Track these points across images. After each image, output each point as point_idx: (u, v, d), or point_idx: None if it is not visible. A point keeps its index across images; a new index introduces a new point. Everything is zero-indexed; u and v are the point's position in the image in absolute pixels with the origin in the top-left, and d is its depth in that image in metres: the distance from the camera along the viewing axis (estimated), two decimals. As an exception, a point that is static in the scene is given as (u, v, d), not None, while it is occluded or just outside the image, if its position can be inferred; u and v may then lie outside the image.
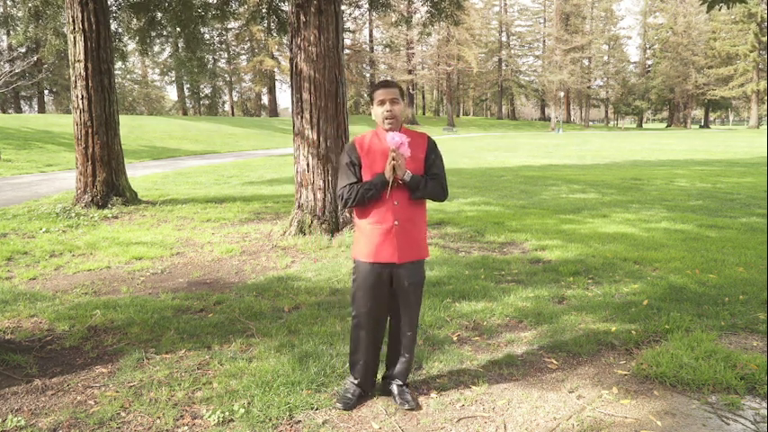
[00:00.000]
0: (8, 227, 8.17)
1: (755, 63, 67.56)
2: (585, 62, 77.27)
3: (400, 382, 3.16)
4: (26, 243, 7.23)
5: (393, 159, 2.87)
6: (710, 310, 4.45)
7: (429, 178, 3.00)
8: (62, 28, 13.19)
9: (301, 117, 7.34)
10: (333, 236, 7.25)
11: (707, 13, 5.85)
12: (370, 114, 3.08)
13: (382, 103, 2.95)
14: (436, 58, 67.61)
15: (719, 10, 6.10)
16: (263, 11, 11.75)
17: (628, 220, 8.49)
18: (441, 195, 3.04)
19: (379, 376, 3.32)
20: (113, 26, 11.94)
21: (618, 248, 6.55)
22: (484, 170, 17.68)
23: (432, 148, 3.07)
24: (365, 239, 3.00)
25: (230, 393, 3.19)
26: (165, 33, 12.88)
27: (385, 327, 3.15)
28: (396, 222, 2.96)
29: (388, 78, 3.36)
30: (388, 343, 3.20)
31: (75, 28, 9.60)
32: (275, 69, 60.09)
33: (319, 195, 7.33)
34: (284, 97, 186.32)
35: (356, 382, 3.14)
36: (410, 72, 65.90)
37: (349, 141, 3.03)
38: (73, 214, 9.14)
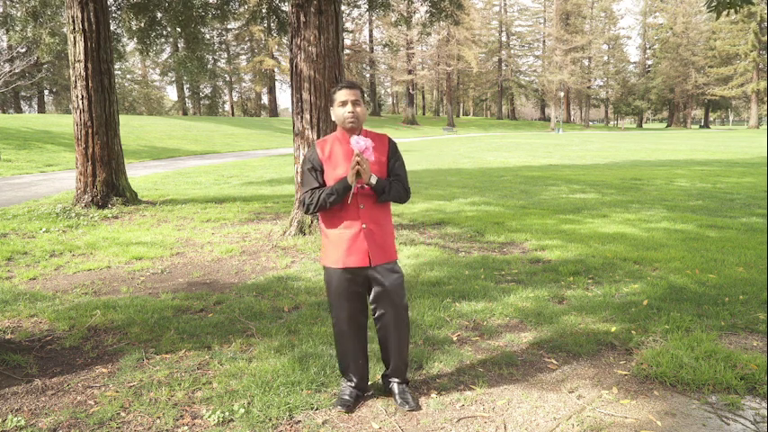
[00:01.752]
0: (8, 227, 8.17)
1: (755, 63, 67.59)
2: (585, 62, 77.31)
3: (399, 380, 3.15)
4: (26, 243, 7.23)
5: (357, 164, 2.84)
6: (710, 310, 4.45)
7: (392, 180, 3.00)
8: (60, 28, 13.18)
9: (301, 117, 7.34)
10: (333, 236, 7.24)
11: (716, 20, 5.83)
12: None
13: (344, 104, 2.93)
14: (436, 58, 67.61)
15: (727, 15, 6.04)
16: (263, 11, 11.75)
17: (628, 220, 8.49)
18: (404, 198, 3.04)
19: (378, 375, 3.32)
20: (113, 26, 11.94)
21: (618, 248, 6.55)
22: (484, 170, 17.68)
23: (393, 150, 3.07)
24: (333, 246, 2.97)
25: (230, 393, 3.19)
26: (164, 33, 12.88)
27: (366, 328, 3.14)
28: (363, 226, 2.94)
29: (353, 80, 3.34)
30: (381, 344, 3.16)
31: (75, 28, 9.60)
32: (275, 69, 60.11)
33: (319, 195, 7.33)
34: (284, 97, 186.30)
35: (352, 384, 3.13)
36: (410, 72, 65.89)
37: (311, 146, 3.01)
38: (73, 214, 9.14)
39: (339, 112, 2.95)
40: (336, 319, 3.06)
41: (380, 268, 2.98)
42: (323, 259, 3.04)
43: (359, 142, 2.85)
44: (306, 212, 2.99)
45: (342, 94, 2.93)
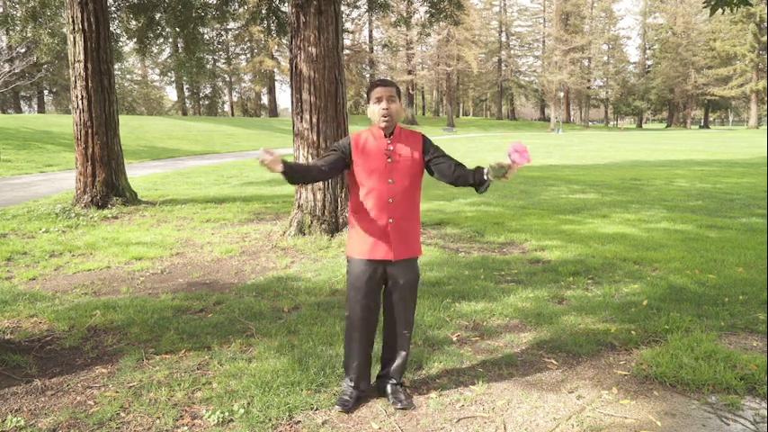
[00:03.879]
0: (8, 227, 8.16)
1: (755, 63, 67.61)
2: (585, 62, 77.32)
3: (395, 381, 3.17)
4: (26, 243, 7.22)
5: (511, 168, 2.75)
6: (710, 310, 4.45)
7: (458, 166, 2.97)
8: (59, 28, 13.18)
9: (301, 117, 7.34)
10: (332, 236, 7.24)
11: (710, 17, 5.84)
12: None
13: (379, 100, 2.93)
14: (436, 59, 67.63)
15: (723, 13, 6.09)
16: (263, 11, 11.74)
17: (627, 221, 8.49)
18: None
19: (374, 376, 3.32)
20: (112, 26, 11.94)
21: (618, 248, 6.55)
22: (484, 170, 17.65)
23: (428, 145, 3.05)
24: (359, 237, 3.00)
25: (230, 394, 3.19)
26: (164, 34, 12.87)
27: (376, 327, 3.15)
28: (390, 220, 2.96)
29: (387, 78, 3.39)
30: (384, 342, 3.19)
31: (74, 28, 9.60)
32: (275, 69, 60.13)
33: (319, 196, 7.33)
34: (284, 97, 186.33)
35: (352, 384, 3.13)
36: (410, 72, 65.91)
37: (346, 137, 3.03)
38: (72, 214, 9.13)
39: (374, 109, 2.95)
40: (350, 311, 3.05)
41: (401, 264, 3.00)
42: (347, 249, 3.06)
43: (519, 152, 2.69)
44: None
45: (377, 92, 2.93)
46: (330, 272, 5.71)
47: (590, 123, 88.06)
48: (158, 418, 2.97)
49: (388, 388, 3.16)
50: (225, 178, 15.42)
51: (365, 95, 3.01)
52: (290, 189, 12.21)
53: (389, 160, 2.96)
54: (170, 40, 13.90)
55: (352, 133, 3.06)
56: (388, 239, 2.96)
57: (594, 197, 11.12)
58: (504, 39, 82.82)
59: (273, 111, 64.75)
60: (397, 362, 3.15)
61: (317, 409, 3.05)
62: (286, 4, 11.02)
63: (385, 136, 2.99)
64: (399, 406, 3.04)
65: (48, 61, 40.07)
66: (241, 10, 12.84)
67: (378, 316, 3.10)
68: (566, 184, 13.39)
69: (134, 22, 12.43)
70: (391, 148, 2.97)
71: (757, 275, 5.38)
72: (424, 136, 3.09)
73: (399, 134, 3.02)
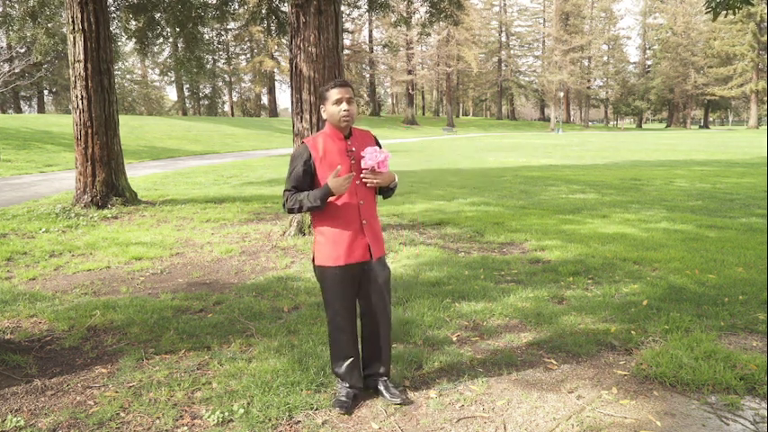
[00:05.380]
0: (8, 227, 8.16)
1: (754, 63, 67.63)
2: (585, 62, 77.34)
3: (385, 378, 3.18)
4: (26, 243, 7.22)
5: (372, 178, 2.93)
6: (710, 310, 4.45)
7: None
8: (58, 28, 13.19)
9: (301, 117, 7.34)
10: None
11: (713, 21, 5.83)
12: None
13: (339, 102, 2.93)
14: (436, 59, 67.64)
15: (725, 16, 6.08)
16: (263, 11, 11.74)
17: (627, 221, 8.49)
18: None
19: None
20: (112, 26, 11.94)
21: (618, 249, 6.55)
22: (484, 170, 17.68)
23: (379, 144, 3.12)
24: (332, 243, 2.96)
25: (230, 393, 3.19)
26: (163, 34, 12.87)
27: (357, 326, 3.16)
28: (364, 222, 2.99)
29: (345, 79, 3.48)
30: (367, 341, 3.17)
31: (74, 28, 9.60)
32: (275, 70, 60.12)
33: (319, 195, 7.32)
34: (284, 97, 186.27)
35: (348, 385, 3.12)
36: (410, 72, 65.89)
37: (301, 145, 3.04)
38: (72, 214, 9.13)
39: (333, 110, 2.95)
40: (333, 317, 3.06)
41: (376, 263, 3.04)
42: (318, 258, 3.01)
43: (377, 156, 2.89)
44: (288, 212, 3.01)
45: (336, 92, 2.94)
46: (330, 272, 5.71)
47: (590, 123, 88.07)
48: (158, 418, 2.97)
49: (380, 385, 3.16)
50: (225, 178, 15.42)
51: (321, 96, 3.02)
52: (289, 189, 12.20)
53: (353, 161, 2.97)
54: (170, 39, 13.89)
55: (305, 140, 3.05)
56: (364, 241, 2.98)
57: (594, 197, 11.12)
58: (504, 39, 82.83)
59: (273, 111, 64.74)
60: (385, 357, 3.16)
61: (316, 409, 3.05)
62: (286, 4, 11.02)
63: (344, 138, 3.00)
64: (397, 401, 3.05)
65: (47, 61, 40.06)
66: (241, 10, 12.85)
67: (356, 315, 3.13)
68: (566, 184, 13.39)
69: (134, 22, 12.43)
70: (353, 149, 2.99)
71: (757, 275, 5.38)
72: (374, 136, 3.15)
73: (356, 135, 3.06)
